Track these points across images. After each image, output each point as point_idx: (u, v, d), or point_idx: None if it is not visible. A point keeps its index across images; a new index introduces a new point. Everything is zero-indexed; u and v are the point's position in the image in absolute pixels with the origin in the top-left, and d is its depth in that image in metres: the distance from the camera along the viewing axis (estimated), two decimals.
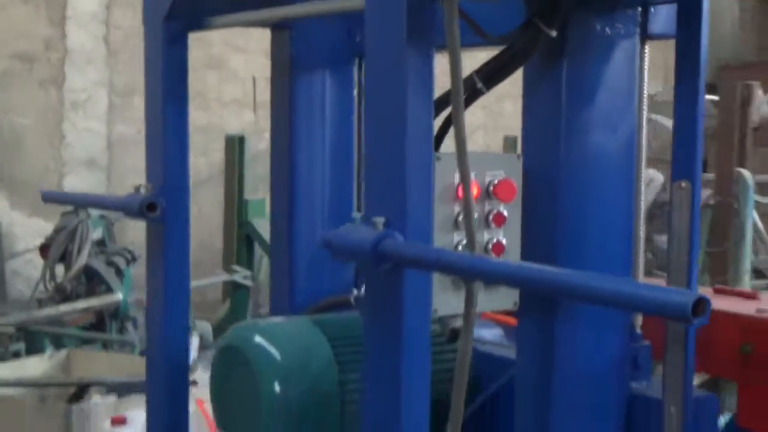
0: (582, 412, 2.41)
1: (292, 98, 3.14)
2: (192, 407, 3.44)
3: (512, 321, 2.78)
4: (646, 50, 2.43)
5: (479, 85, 2.26)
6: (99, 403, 4.21)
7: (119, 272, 6.51)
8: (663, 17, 2.43)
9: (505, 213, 2.23)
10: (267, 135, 8.31)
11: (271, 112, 3.27)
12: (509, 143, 9.92)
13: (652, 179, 7.32)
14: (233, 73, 8.54)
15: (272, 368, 2.64)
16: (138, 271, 7.06)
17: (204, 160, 8.45)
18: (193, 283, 6.37)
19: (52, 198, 4.18)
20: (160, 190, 2.96)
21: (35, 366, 5.00)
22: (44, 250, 6.75)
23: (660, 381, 2.49)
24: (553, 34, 2.20)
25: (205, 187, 8.24)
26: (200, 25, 3.01)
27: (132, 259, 6.64)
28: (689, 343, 2.33)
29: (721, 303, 2.53)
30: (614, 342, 2.45)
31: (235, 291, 5.84)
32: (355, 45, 3.18)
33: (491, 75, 2.28)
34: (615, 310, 2.41)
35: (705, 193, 9.27)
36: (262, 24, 3.12)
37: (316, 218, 3.19)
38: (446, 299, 2.21)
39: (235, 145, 7.16)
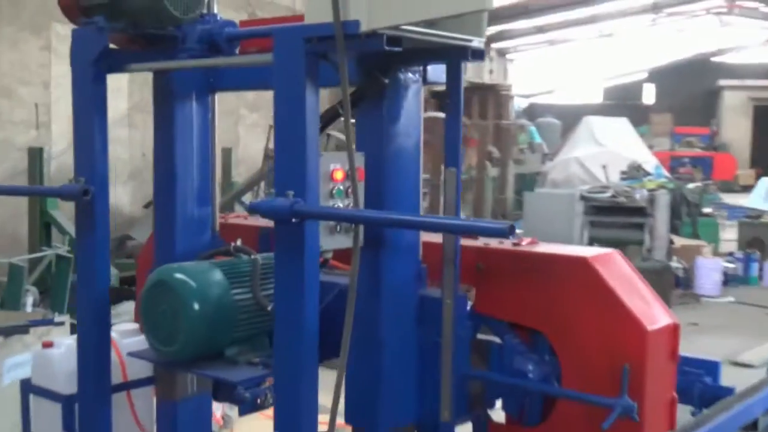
0: (397, 307, 2.83)
1: (172, 118, 3.19)
2: None
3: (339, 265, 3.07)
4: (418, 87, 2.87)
5: (340, 110, 2.69)
6: None
7: None
8: (437, 71, 2.87)
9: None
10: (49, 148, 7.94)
11: (155, 126, 3.27)
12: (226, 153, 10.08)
13: None
14: (20, 100, 8.33)
15: (191, 293, 2.77)
16: None
17: (1, 167, 8.19)
18: (24, 257, 6.33)
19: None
20: (89, 181, 3.01)
21: None
22: None
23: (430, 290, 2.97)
24: (386, 81, 2.70)
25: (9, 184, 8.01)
26: (117, 69, 3.10)
27: None
28: (456, 263, 2.80)
29: (466, 241, 3.00)
30: (412, 264, 2.90)
31: (59, 261, 5.80)
32: (210, 84, 3.32)
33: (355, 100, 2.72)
34: (413, 247, 2.90)
35: None
36: (153, 69, 3.18)
37: (188, 200, 3.25)
38: (326, 240, 2.62)
39: (36, 155, 7.05)
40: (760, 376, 5.01)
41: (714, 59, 34.02)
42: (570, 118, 20.30)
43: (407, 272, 2.90)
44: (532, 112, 31.79)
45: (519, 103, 28.37)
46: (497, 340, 3.06)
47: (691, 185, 12.71)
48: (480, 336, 3.08)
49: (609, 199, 10.29)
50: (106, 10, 2.93)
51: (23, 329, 4.22)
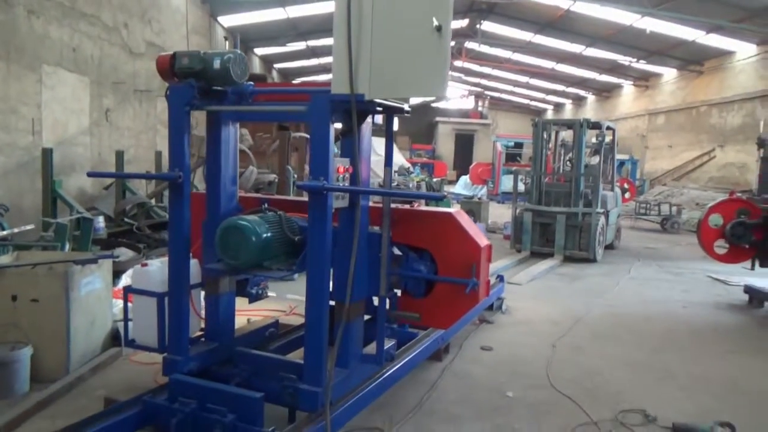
0: (360, 238, 3.07)
1: (219, 136, 3.33)
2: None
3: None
4: (371, 127, 3.19)
5: (339, 136, 3.11)
6: (77, 268, 4.03)
7: (2, 216, 5.55)
8: (378, 118, 3.22)
9: (348, 175, 3.01)
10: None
11: (208, 140, 3.34)
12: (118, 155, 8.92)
13: (252, 171, 7.68)
14: (22, 116, 7.80)
15: (249, 230, 3.03)
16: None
17: (11, 160, 7.63)
18: (67, 218, 6.08)
19: (102, 175, 3.87)
20: (180, 170, 3.17)
21: (7, 259, 4.40)
22: None
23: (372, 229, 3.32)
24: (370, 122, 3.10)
25: (13, 173, 7.50)
26: (198, 108, 3.16)
27: (6, 210, 5.69)
28: (388, 215, 3.22)
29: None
30: (366, 216, 3.22)
31: (84, 221, 5.59)
32: (238, 117, 3.49)
33: (342, 133, 3.08)
34: (366, 207, 3.18)
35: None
36: (220, 111, 3.25)
37: (226, 182, 3.39)
38: (335, 203, 2.96)
39: (47, 154, 6.70)
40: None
41: (433, 105, 36.10)
42: None
43: (365, 220, 3.22)
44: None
45: None
46: (402, 254, 3.52)
47: (435, 179, 13.93)
48: (395, 252, 3.51)
49: (395, 187, 11.15)
50: (195, 75, 3.16)
51: (93, 260, 4.19)
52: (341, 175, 3.02)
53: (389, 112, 3.20)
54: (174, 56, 3.28)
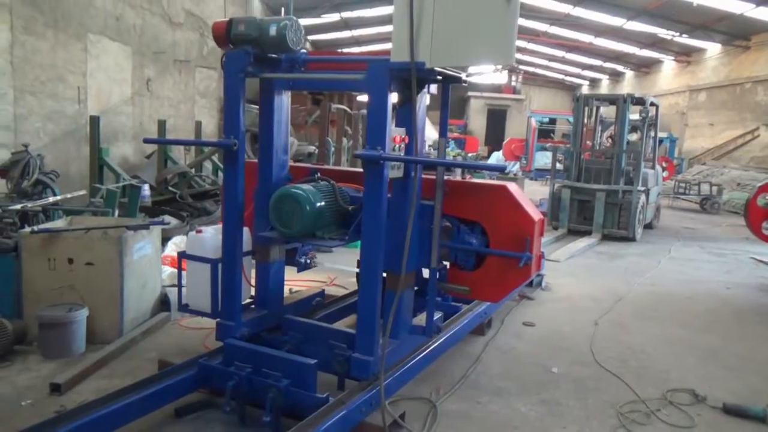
0: (416, 211, 3.00)
1: (271, 104, 3.29)
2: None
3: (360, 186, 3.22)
4: (428, 96, 3.12)
5: (397, 106, 3.01)
6: (130, 233, 4.08)
7: (53, 182, 5.89)
8: (432, 87, 3.14)
9: (404, 145, 2.97)
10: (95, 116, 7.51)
11: (260, 108, 3.31)
12: (198, 124, 9.55)
13: (293, 142, 7.56)
14: (69, 84, 7.90)
15: (303, 199, 3.03)
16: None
17: (59, 127, 7.75)
18: (113, 185, 6.18)
19: (159, 142, 3.85)
20: (235, 138, 3.12)
21: (62, 224, 4.42)
22: (2, 173, 5.53)
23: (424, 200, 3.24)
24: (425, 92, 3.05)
25: (61, 141, 7.62)
26: (252, 76, 3.13)
27: (57, 176, 5.68)
28: (441, 186, 3.16)
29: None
30: (420, 186, 3.12)
31: (132, 188, 5.68)
32: (290, 85, 3.39)
33: (401, 102, 3.00)
34: (420, 177, 3.09)
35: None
36: (278, 78, 3.24)
37: (278, 151, 3.41)
38: (391, 173, 2.92)
39: (95, 122, 6.83)
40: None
41: (465, 79, 35.39)
42: None
43: (418, 190, 3.15)
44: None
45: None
46: (452, 226, 3.44)
47: (471, 154, 13.74)
48: (445, 224, 3.43)
49: None
50: (251, 42, 3.12)
51: (146, 226, 4.24)
52: (397, 145, 2.97)
53: (446, 81, 3.13)
54: (230, 23, 3.23)
